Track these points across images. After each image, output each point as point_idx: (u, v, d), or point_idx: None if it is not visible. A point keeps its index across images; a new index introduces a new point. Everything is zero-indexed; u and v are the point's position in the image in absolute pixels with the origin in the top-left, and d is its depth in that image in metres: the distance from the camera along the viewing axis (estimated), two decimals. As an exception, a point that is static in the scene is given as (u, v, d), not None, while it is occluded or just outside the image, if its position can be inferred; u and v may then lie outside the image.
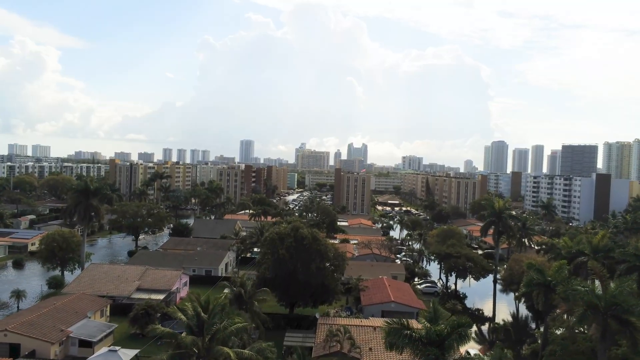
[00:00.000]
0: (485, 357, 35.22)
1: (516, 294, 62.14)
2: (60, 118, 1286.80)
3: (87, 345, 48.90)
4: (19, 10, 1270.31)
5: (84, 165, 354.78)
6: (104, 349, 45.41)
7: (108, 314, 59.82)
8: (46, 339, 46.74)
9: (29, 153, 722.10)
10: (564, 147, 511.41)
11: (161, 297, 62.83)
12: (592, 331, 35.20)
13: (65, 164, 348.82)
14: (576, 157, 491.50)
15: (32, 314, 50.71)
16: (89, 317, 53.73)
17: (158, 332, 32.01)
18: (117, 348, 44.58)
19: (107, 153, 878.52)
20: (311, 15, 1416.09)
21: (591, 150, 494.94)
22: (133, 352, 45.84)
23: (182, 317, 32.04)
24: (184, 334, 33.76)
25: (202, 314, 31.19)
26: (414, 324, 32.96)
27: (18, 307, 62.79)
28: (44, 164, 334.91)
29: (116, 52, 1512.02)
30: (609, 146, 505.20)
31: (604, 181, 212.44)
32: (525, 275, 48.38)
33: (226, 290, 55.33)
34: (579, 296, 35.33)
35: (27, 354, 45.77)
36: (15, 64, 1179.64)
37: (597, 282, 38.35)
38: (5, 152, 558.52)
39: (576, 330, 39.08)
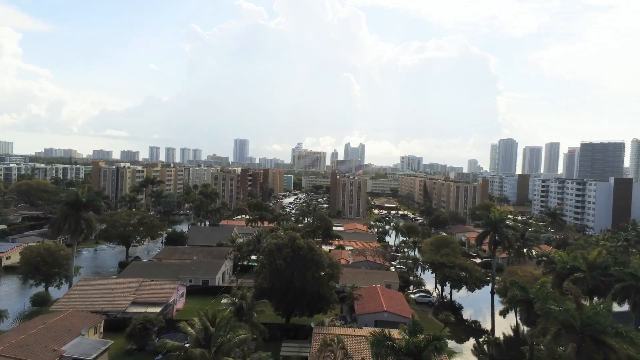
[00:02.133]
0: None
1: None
2: (23, 110, 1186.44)
3: (82, 364, 50.74)
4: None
5: (60, 166, 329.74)
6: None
7: (102, 330, 60.77)
8: (38, 360, 47.01)
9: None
10: (582, 145, 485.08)
11: (158, 309, 65.53)
12: (569, 349, 38.66)
13: (38, 166, 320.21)
14: (597, 156, 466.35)
15: (20, 335, 49.37)
16: (84, 335, 54.09)
17: (168, 347, 37.15)
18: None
19: (84, 151, 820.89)
20: (306, 3, 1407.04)
21: (616, 148, 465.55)
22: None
23: (192, 331, 37.18)
24: (187, 345, 38.68)
25: (211, 328, 36.30)
26: (396, 334, 37.93)
27: (-1, 329, 60.49)
28: (11, 165, 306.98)
29: (88, 37, 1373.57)
30: (638, 144, 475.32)
31: (624, 186, 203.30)
32: (509, 291, 51.84)
33: (224, 301, 59.48)
34: (554, 315, 39.30)
35: (17, 378, 46.64)
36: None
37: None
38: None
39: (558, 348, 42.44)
